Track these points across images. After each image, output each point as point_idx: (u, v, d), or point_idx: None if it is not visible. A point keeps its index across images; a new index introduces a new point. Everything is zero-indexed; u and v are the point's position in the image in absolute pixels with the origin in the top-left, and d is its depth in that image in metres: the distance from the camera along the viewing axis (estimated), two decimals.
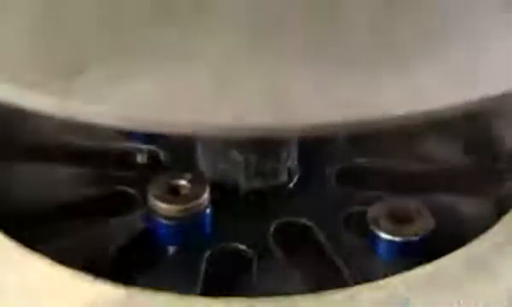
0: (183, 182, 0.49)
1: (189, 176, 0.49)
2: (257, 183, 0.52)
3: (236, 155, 0.51)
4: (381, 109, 0.38)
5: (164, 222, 0.47)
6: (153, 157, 0.55)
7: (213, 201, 0.49)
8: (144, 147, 0.56)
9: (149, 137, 0.55)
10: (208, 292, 0.45)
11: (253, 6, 0.42)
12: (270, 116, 0.37)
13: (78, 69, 0.38)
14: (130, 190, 0.52)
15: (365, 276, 0.44)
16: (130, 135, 0.56)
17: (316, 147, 0.56)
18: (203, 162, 0.52)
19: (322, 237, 0.50)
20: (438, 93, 0.39)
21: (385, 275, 0.43)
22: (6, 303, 0.42)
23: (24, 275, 0.43)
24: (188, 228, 0.48)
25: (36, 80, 0.38)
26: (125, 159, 0.56)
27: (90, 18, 0.41)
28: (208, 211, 0.48)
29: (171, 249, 0.48)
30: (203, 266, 0.47)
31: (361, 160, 0.56)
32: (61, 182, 0.54)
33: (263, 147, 0.52)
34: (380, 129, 0.39)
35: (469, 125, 0.57)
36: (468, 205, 0.52)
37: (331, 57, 0.40)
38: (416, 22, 0.42)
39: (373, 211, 0.48)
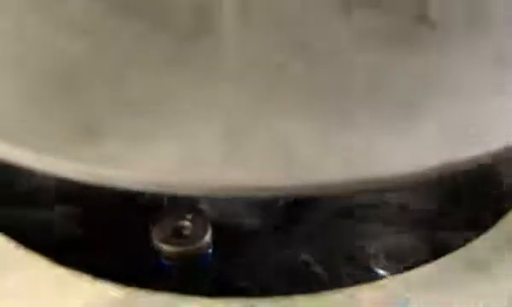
0: (185, 223, 0.49)
1: (190, 216, 0.49)
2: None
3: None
4: (384, 169, 0.38)
5: (167, 262, 0.48)
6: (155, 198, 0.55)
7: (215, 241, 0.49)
8: None
9: None
10: None
11: (254, 60, 0.42)
12: (284, 178, 0.38)
13: (94, 131, 0.39)
14: (133, 230, 0.52)
15: None
16: None
17: None
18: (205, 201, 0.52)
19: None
20: (438, 151, 0.39)
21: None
22: (6, 303, 0.42)
23: (24, 275, 0.43)
24: (190, 267, 0.48)
25: (53, 144, 0.38)
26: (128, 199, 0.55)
27: (100, 75, 0.42)
28: (210, 251, 0.48)
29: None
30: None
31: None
32: (60, 222, 0.54)
33: None
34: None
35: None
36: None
37: (334, 112, 0.40)
38: (414, 77, 0.42)
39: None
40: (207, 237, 0.48)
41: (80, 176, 0.38)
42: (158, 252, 0.48)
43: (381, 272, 0.47)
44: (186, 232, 0.49)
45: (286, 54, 0.43)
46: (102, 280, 0.42)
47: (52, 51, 0.43)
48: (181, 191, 0.39)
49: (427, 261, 0.44)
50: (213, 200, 0.52)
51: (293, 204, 0.53)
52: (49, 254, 0.47)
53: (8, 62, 0.42)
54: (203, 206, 0.52)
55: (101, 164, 0.38)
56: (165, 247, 0.48)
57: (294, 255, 0.50)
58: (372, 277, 0.47)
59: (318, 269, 0.50)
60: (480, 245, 0.45)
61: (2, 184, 0.55)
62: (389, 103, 0.41)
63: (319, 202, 0.54)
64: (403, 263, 0.47)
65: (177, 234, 0.48)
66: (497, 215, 0.48)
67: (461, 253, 0.44)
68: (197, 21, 0.45)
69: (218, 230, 0.49)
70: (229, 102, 0.40)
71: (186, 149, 0.38)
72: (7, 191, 0.55)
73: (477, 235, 0.45)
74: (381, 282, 0.43)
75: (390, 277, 0.44)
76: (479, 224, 0.52)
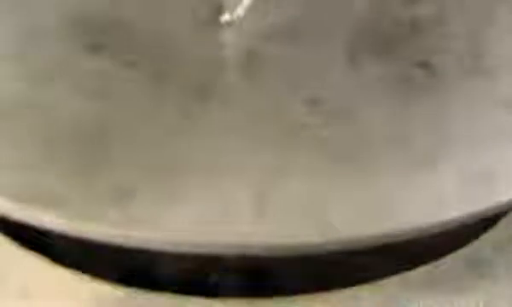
0: None
1: None
2: None
3: None
4: (411, 220, 0.40)
5: None
6: None
7: None
8: None
9: None
10: None
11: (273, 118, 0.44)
12: (314, 235, 0.39)
13: (128, 193, 0.39)
14: None
15: None
16: None
17: None
18: None
19: None
20: (459, 201, 0.40)
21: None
22: (7, 304, 0.42)
23: (24, 275, 0.43)
24: None
25: (88, 209, 0.39)
26: None
27: (120, 137, 0.43)
28: None
29: None
30: None
31: None
32: None
33: None
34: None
35: None
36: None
37: (356, 168, 0.41)
38: (428, 127, 0.44)
39: None
40: None
41: (113, 240, 0.39)
42: None
43: None
44: None
45: (302, 111, 0.44)
46: (102, 281, 0.42)
47: (71, 114, 0.44)
48: (215, 250, 0.39)
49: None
50: None
51: None
52: None
53: (33, 129, 0.43)
54: None
55: (133, 226, 0.39)
56: None
57: None
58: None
59: None
60: (481, 244, 0.45)
61: None
62: (407, 155, 0.42)
63: None
64: None
65: None
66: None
67: (461, 253, 0.45)
68: (208, 77, 0.47)
69: None
70: (256, 162, 0.41)
71: (217, 210, 0.39)
72: None
73: (477, 236, 0.46)
74: (382, 282, 0.43)
75: (390, 277, 0.43)
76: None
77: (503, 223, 0.46)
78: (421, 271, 0.44)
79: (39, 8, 0.51)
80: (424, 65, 0.47)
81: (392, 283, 0.43)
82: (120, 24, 0.49)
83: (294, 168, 0.41)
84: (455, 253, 0.44)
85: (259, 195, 0.40)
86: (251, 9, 0.50)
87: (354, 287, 0.43)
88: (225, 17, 0.50)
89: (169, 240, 0.39)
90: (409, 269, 0.43)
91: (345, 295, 0.42)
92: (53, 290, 0.42)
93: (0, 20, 0.51)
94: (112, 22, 0.49)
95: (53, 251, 0.44)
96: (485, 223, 0.46)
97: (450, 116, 0.45)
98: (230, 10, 0.50)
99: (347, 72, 0.47)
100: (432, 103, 0.45)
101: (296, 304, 0.42)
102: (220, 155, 0.42)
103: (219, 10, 0.50)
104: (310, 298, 0.42)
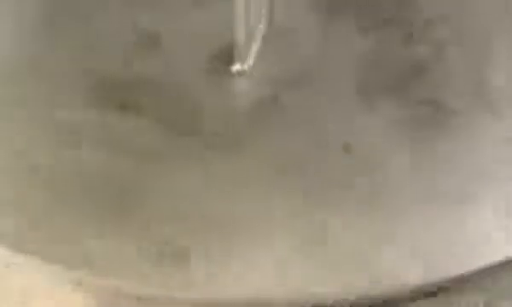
0: None
1: None
2: None
3: None
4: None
5: None
6: None
7: None
8: None
9: None
10: None
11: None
12: (367, 287, 0.40)
13: (181, 256, 0.41)
14: None
15: None
16: None
17: None
18: None
19: None
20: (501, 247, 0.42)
21: None
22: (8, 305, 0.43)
23: (26, 277, 0.44)
24: None
25: (144, 272, 0.40)
26: None
27: (164, 192, 0.44)
28: None
29: None
30: None
31: None
32: None
33: None
34: None
35: None
36: None
37: (396, 219, 0.43)
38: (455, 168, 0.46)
39: None
40: None
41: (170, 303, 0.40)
42: None
43: None
44: None
45: (331, 159, 0.46)
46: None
47: (104, 171, 0.45)
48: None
49: None
50: None
51: None
52: None
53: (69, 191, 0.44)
54: None
55: (193, 287, 0.40)
56: None
57: None
58: None
59: None
60: None
61: None
62: (441, 201, 0.44)
63: None
64: None
65: None
66: None
67: None
68: (231, 128, 0.48)
69: None
70: (298, 216, 0.43)
71: (270, 266, 0.41)
72: None
73: None
74: None
75: None
76: None
77: None
78: None
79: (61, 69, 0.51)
80: (434, 103, 0.49)
81: None
82: (140, 81, 0.50)
83: (335, 222, 0.43)
84: None
85: (308, 250, 0.41)
86: (261, 56, 0.51)
87: None
88: (236, 67, 0.51)
89: (225, 300, 0.40)
90: None
91: None
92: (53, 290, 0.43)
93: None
94: (132, 79, 0.50)
95: None
96: None
97: (472, 153, 0.46)
98: (241, 59, 0.51)
99: (365, 115, 0.48)
100: (450, 141, 0.47)
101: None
102: (260, 208, 0.43)
103: (230, 60, 0.51)
104: None
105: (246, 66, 0.51)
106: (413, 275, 0.40)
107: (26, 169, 0.45)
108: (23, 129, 0.48)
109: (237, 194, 0.44)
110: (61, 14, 0.54)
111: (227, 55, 0.52)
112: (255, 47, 0.52)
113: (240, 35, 0.50)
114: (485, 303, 0.42)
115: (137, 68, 0.51)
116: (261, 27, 0.52)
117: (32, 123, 0.48)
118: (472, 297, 0.42)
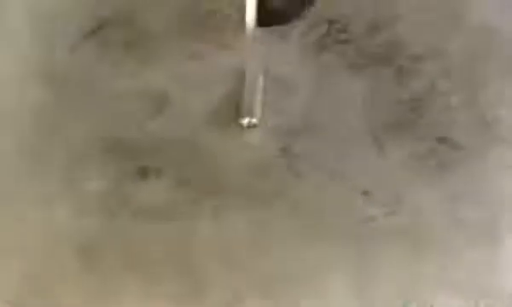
0: None
1: None
2: None
3: None
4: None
5: None
6: None
7: None
8: None
9: None
10: None
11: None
12: None
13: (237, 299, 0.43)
14: None
15: None
16: None
17: None
18: None
19: None
20: None
21: None
22: None
23: None
24: None
25: None
26: None
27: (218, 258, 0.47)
28: None
29: None
30: None
31: None
32: None
33: None
34: None
35: None
36: None
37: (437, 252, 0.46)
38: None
39: None
40: None
41: None
42: None
43: None
44: None
45: (358, 205, 0.48)
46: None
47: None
48: None
49: None
50: None
51: None
52: None
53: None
54: None
55: None
56: None
57: None
58: None
59: None
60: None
61: None
62: (466, 237, 0.46)
63: None
64: None
65: None
66: None
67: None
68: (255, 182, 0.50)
69: None
70: (338, 266, 0.46)
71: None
72: None
73: None
74: None
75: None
76: None
77: None
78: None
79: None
80: (443, 140, 0.50)
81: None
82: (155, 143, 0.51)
83: (381, 264, 0.46)
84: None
85: (360, 287, 0.44)
86: (267, 107, 0.52)
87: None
88: (245, 120, 0.52)
89: None
90: None
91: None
92: None
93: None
94: (147, 143, 0.51)
95: None
96: None
97: (492, 186, 0.47)
98: (249, 112, 0.52)
99: (380, 159, 0.49)
100: (468, 175, 0.48)
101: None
102: (308, 263, 0.46)
103: (238, 113, 0.52)
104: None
105: (254, 119, 0.52)
106: None
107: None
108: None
109: (289, 252, 0.47)
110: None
111: (233, 104, 0.52)
112: (259, 98, 0.53)
113: (248, 89, 0.51)
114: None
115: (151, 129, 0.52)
116: (261, 78, 0.53)
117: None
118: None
